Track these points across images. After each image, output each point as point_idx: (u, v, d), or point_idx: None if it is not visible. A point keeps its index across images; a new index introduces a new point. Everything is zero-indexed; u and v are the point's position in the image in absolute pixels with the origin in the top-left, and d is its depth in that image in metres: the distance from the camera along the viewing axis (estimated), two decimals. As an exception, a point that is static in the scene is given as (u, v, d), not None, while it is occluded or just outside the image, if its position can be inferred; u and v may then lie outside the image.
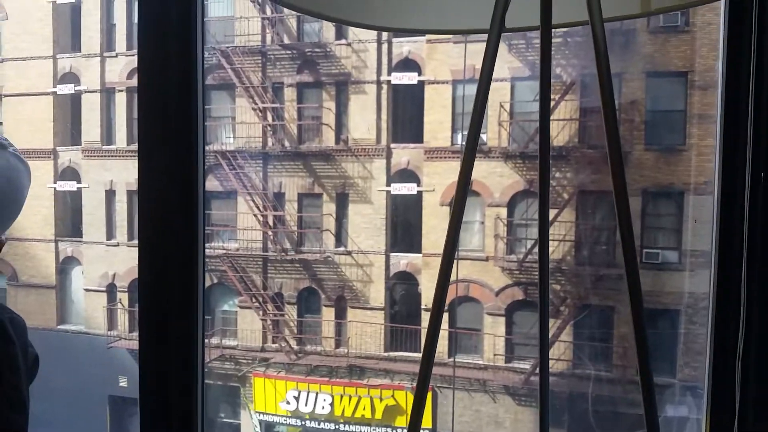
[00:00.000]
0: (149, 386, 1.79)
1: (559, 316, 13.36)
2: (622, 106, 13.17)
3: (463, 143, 11.03)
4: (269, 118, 16.62)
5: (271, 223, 16.65)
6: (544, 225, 1.30)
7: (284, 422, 15.86)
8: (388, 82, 15.53)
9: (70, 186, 18.10)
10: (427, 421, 14.22)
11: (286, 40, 16.60)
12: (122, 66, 17.27)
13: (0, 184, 1.05)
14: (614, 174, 1.04)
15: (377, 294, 15.57)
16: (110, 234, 17.45)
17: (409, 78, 15.00)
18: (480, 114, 1.10)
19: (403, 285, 15.59)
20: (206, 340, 14.34)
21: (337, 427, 15.22)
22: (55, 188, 18.31)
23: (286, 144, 16.49)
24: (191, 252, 1.70)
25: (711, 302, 1.74)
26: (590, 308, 12.06)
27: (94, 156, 17.62)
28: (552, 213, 13.54)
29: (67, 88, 17.91)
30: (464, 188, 1.11)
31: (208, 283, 17.01)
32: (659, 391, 12.57)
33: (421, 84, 15.12)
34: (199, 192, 1.72)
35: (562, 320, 13.23)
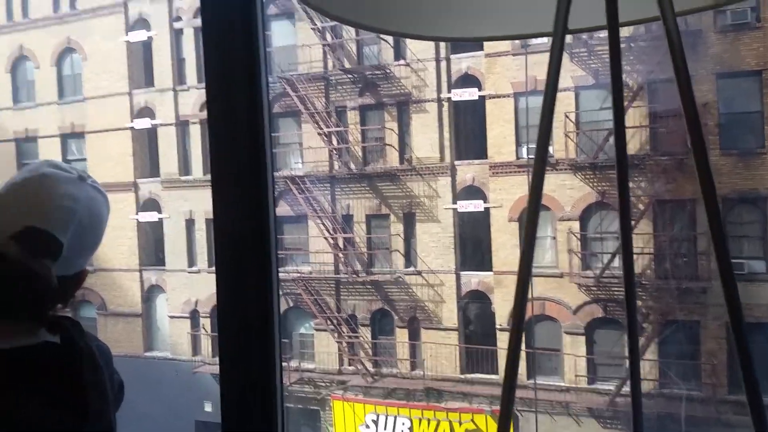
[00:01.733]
0: (230, 411, 1.86)
1: (642, 333, 13.21)
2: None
3: (530, 156, 11.30)
4: (334, 141, 17.31)
5: (341, 245, 17.31)
6: (627, 237, 1.27)
7: (365, 446, 16.35)
8: (449, 99, 15.80)
9: (151, 217, 19.30)
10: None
11: (347, 65, 17.24)
12: (195, 98, 18.36)
13: (81, 216, 1.12)
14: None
15: (450, 314, 15.85)
16: (191, 261, 18.50)
17: (469, 94, 15.28)
18: (548, 120, 1.06)
19: (475, 304, 15.81)
20: (285, 363, 15.17)
21: (417, 450, 15.58)
22: (137, 219, 19.59)
23: (352, 166, 17.12)
24: (265, 276, 1.79)
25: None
26: (675, 324, 11.85)
27: (173, 187, 18.64)
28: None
29: (144, 122, 19.23)
30: (537, 201, 1.07)
31: (284, 307, 17.84)
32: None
33: (482, 99, 15.30)
34: (270, 217, 1.78)
35: (645, 337, 13.06)
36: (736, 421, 11.99)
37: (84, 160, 20.27)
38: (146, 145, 19.81)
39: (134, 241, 19.73)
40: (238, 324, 1.82)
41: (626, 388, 13.11)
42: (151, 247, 19.84)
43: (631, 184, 12.48)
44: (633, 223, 13.10)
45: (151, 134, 19.53)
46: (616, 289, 13.74)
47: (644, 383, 12.88)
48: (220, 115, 1.82)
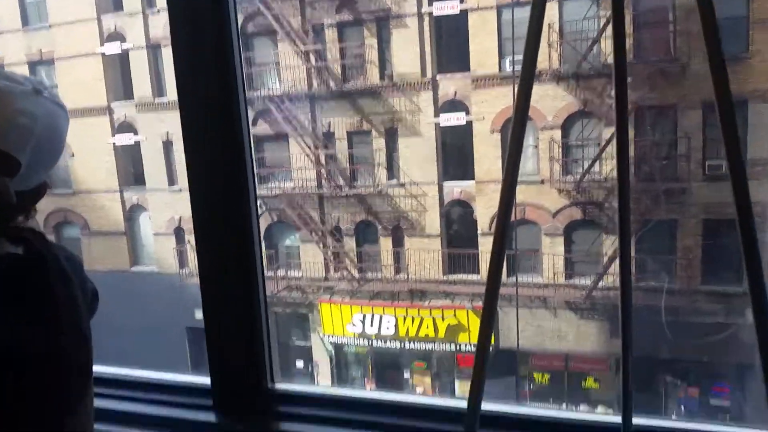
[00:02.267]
0: (213, 325, 1.72)
1: (617, 229, 12.68)
2: (677, 17, 11.82)
3: (512, 68, 10.11)
4: (312, 60, 15.67)
5: (323, 161, 16.05)
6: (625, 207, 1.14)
7: (352, 343, 15.94)
8: (430, 13, 14.28)
9: (127, 139, 17.80)
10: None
11: (323, -20, 15.35)
12: (165, 21, 16.03)
13: (39, 133, 0.99)
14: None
15: (432, 222, 15.09)
16: (171, 181, 17.23)
17: (451, 7, 13.68)
18: (537, 28, 0.99)
19: (458, 211, 15.00)
20: (272, 273, 14.21)
21: (402, 345, 15.22)
22: (113, 143, 18.04)
23: (332, 84, 15.57)
24: (241, 193, 1.64)
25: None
26: (653, 222, 11.30)
27: (148, 109, 17.08)
28: (608, 131, 12.58)
29: (114, 47, 17.34)
30: (524, 108, 1.02)
31: (268, 222, 16.77)
32: (727, 300, 12.02)
33: (464, 13, 13.85)
34: (243, 130, 1.60)
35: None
36: (708, 309, 11.84)
37: (55, 87, 18.10)
38: (118, 69, 18.02)
39: (112, 163, 18.31)
40: (217, 241, 1.68)
41: (603, 283, 12.76)
42: (130, 168, 18.31)
43: (612, 92, 11.32)
44: (612, 129, 12.19)
45: (123, 59, 17.60)
46: (595, 192, 13.07)
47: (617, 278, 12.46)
48: (184, 35, 1.60)
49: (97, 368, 1.82)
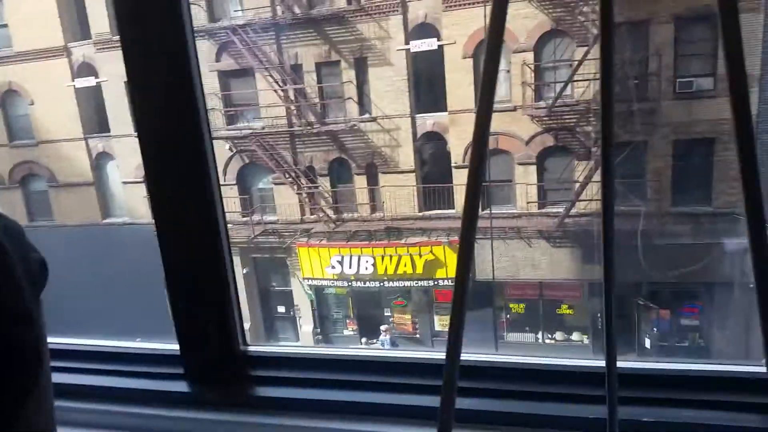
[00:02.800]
0: (175, 278, 1.69)
1: (590, 157, 13.12)
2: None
3: None
4: (274, -16, 15.55)
5: (292, 97, 16.21)
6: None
7: (332, 284, 16.57)
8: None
9: (88, 82, 17.77)
10: (466, 271, 14.68)
11: None
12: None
13: None
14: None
15: (406, 157, 15.45)
16: None
17: None
18: None
19: (431, 144, 15.34)
20: (247, 218, 14.60)
21: (382, 284, 15.87)
22: (74, 86, 18.00)
23: (296, 10, 15.56)
24: (195, 132, 1.56)
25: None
26: (623, 145, 11.69)
27: (107, 48, 16.94)
28: (581, 51, 12.81)
29: (66, -22, 17.12)
30: (498, 36, 0.91)
31: (240, 164, 17.08)
32: (695, 221, 12.60)
33: (433, -76, 13.76)
34: (192, 68, 1.53)
35: (594, 161, 12.99)
36: (679, 230, 12.40)
37: (5, 26, 17.89)
38: (72, 3, 17.69)
39: (74, 109, 18.23)
40: (171, 190, 1.62)
41: (575, 210, 13.28)
42: (93, 113, 18.31)
43: (584, 9, 11.57)
44: (586, 49, 12.45)
45: (72, -8, 17.24)
46: (567, 117, 13.42)
47: (593, 203, 13.01)
48: None
49: (57, 340, 1.88)
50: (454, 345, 1.06)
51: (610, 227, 1.11)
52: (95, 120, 18.43)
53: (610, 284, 1.12)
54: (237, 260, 17.30)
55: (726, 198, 12.10)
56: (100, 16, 16.97)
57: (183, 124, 1.55)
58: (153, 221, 1.65)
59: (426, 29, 14.54)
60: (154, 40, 1.51)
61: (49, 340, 0.87)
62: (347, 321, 17.21)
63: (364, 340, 16.67)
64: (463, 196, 0.98)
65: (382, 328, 15.81)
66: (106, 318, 17.08)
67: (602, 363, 1.19)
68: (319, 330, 17.33)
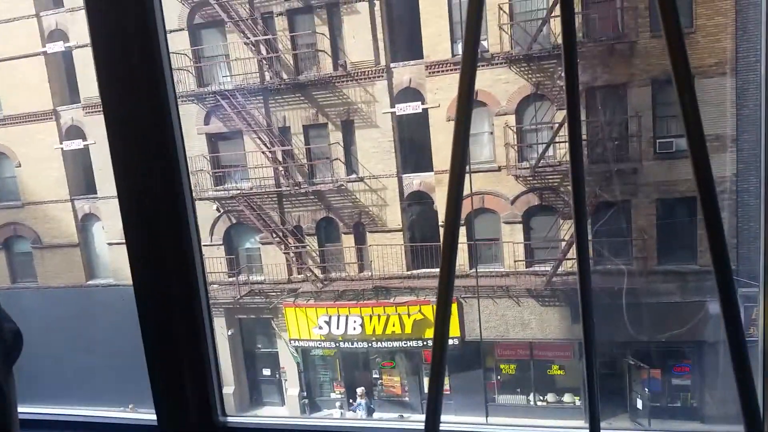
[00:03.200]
0: (154, 345, 1.68)
1: (572, 215, 13.28)
2: (624, -6, 12.51)
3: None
4: (263, 51, 16.05)
5: (280, 158, 16.44)
6: (581, 233, 1.16)
7: (319, 346, 16.34)
8: (381, -3, 14.80)
9: (76, 145, 17.95)
10: (455, 331, 14.59)
11: (269, -33, 15.79)
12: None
13: None
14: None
15: (394, 216, 15.59)
16: None
17: (402, -10, 14.24)
18: (478, 13, 0.95)
19: (418, 205, 15.52)
20: (233, 278, 14.49)
21: (370, 344, 15.69)
22: (62, 148, 18.16)
23: (284, 76, 16.01)
24: (175, 194, 1.58)
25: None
26: (607, 204, 11.90)
27: (96, 111, 17.27)
28: (562, 114, 13.21)
29: (57, 46, 17.51)
30: (468, 100, 0.98)
31: (227, 225, 17.12)
32: (680, 278, 12.70)
33: (416, -5, 14.37)
34: (174, 132, 1.55)
35: (579, 220, 13.15)
36: (663, 289, 12.47)
37: None
38: (62, 69, 18.06)
39: (61, 171, 18.42)
40: (150, 253, 1.61)
41: (562, 269, 13.36)
42: (80, 175, 18.45)
43: (563, 73, 11.97)
44: (564, 112, 12.83)
45: (67, 58, 17.71)
46: (550, 177, 13.69)
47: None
48: (105, 33, 1.53)
49: (29, 410, 1.87)
50: (432, 416, 1.04)
51: (588, 291, 1.15)
52: (82, 182, 18.53)
53: (591, 350, 1.16)
54: (222, 321, 17.07)
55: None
56: (89, 81, 17.29)
57: (163, 188, 1.55)
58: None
59: (411, 93, 14.98)
60: (136, 104, 1.52)
61: (21, 410, 0.84)
62: (334, 384, 16.88)
63: (338, 404, 16.26)
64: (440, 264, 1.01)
65: (358, 391, 15.52)
66: (86, 383, 16.69)
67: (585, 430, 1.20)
68: (305, 394, 16.95)
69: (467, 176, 13.63)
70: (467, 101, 0.99)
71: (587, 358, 1.16)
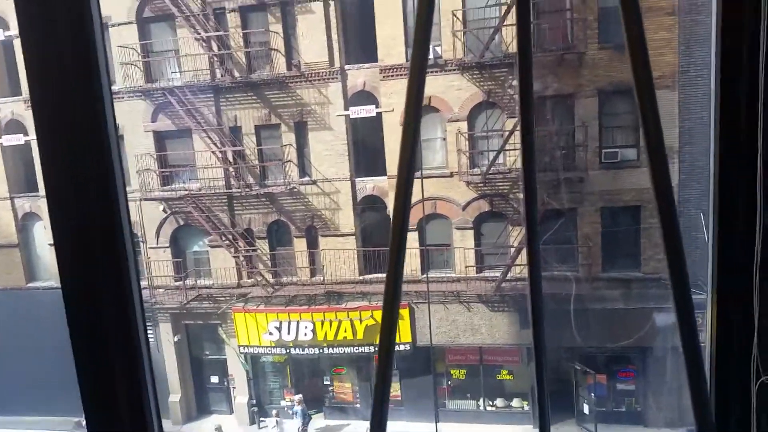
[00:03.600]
0: (83, 351, 1.61)
1: (523, 223, 13.51)
2: (573, 5, 12.79)
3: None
4: (214, 47, 15.76)
5: (231, 159, 16.16)
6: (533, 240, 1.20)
7: (269, 352, 16.13)
8: (335, -4, 14.70)
9: (16, 139, 17.32)
10: (406, 336, 14.62)
11: (223, -38, 15.50)
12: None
13: None
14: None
15: (347, 220, 15.51)
16: None
17: (355, -9, 14.18)
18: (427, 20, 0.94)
19: (371, 209, 15.49)
20: (179, 282, 14.11)
21: (321, 351, 15.57)
22: (1, 143, 17.52)
23: (236, 74, 15.74)
24: (108, 194, 1.52)
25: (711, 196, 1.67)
26: (553, 212, 12.14)
27: (36, 106, 16.61)
28: (511, 122, 13.41)
29: (-5, 36, 16.94)
30: (416, 108, 0.96)
31: (174, 226, 16.71)
32: (625, 285, 13.06)
33: (370, -3, 14.35)
34: (109, 128, 1.50)
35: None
36: (609, 295, 12.79)
37: None
38: (2, 60, 17.43)
39: (0, 167, 17.58)
40: (79, 255, 1.53)
41: (511, 274, 13.54)
42: (21, 172, 17.78)
43: (514, 83, 12.19)
44: (516, 120, 13.01)
45: (7, 47, 17.13)
46: (500, 184, 13.88)
47: (527, 269, 13.29)
48: (35, 28, 1.46)
49: None
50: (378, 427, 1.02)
51: (539, 297, 1.18)
52: (23, 179, 17.88)
53: (542, 355, 1.19)
54: (168, 327, 16.65)
55: (654, 264, 12.63)
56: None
57: (95, 186, 1.50)
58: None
59: (365, 96, 14.95)
60: (66, 97, 1.47)
61: None
62: (284, 390, 16.69)
63: (275, 412, 15.90)
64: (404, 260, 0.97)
65: (295, 398, 15.41)
66: (19, 389, 16.03)
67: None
68: (254, 401, 16.69)
69: (420, 182, 13.71)
70: (416, 104, 0.98)
71: (537, 363, 1.17)
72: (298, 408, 15.06)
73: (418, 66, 0.97)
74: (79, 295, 1.56)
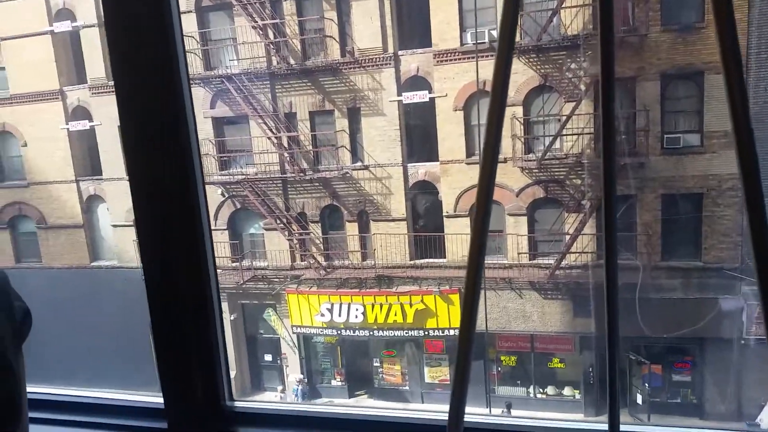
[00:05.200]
0: (162, 328, 1.71)
1: (581, 210, 13.35)
2: (637, -13, 12.44)
3: (476, 42, 10.51)
4: (270, 35, 16.07)
5: (285, 144, 16.52)
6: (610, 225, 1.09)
7: (320, 333, 16.50)
8: (391, -18, 14.73)
9: (82, 125, 18.09)
10: (457, 321, 14.70)
11: (278, -51, 15.76)
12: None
13: None
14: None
15: (398, 205, 15.65)
16: None
17: (412, -23, 14.17)
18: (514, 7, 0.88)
19: (423, 193, 15.57)
20: (237, 263, 14.59)
21: (371, 333, 15.82)
22: (68, 129, 18.30)
23: (291, 61, 16.02)
24: (186, 178, 1.60)
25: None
26: (625, 205, 11.90)
27: (102, 92, 17.34)
28: (569, 106, 13.21)
29: (64, 25, 17.57)
30: (502, 93, 0.92)
31: (231, 210, 17.25)
32: (685, 275, 12.74)
33: (426, -18, 14.30)
34: (188, 115, 1.57)
35: (584, 214, 13.22)
36: (667, 285, 12.52)
37: (2, 69, 18.32)
38: (69, 49, 18.13)
39: (67, 152, 18.56)
40: (160, 236, 1.61)
41: (565, 262, 13.42)
42: (86, 156, 18.58)
43: (572, 65, 12.03)
44: (574, 104, 12.84)
45: (74, 37, 17.77)
46: (555, 169, 13.71)
47: (585, 256, 13.17)
48: (120, 15, 1.53)
49: (37, 389, 1.87)
50: (456, 410, 0.99)
51: (614, 283, 1.08)
52: (88, 163, 18.67)
53: (615, 341, 1.09)
54: (225, 306, 17.26)
55: (715, 253, 12.29)
56: (96, 61, 17.38)
57: (175, 170, 1.56)
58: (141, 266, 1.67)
59: (418, 82, 14.97)
60: (148, 86, 1.53)
61: (29, 389, 0.85)
62: (335, 371, 17.06)
63: (280, 388, 16.17)
64: (455, 246, 0.97)
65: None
66: (90, 365, 16.92)
67: (604, 426, 1.17)
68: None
69: (475, 167, 13.69)
70: (501, 93, 0.94)
71: (610, 355, 1.11)
72: (297, 387, 15.46)
73: (505, 56, 0.93)
74: (159, 274, 1.63)
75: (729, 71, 0.81)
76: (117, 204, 17.96)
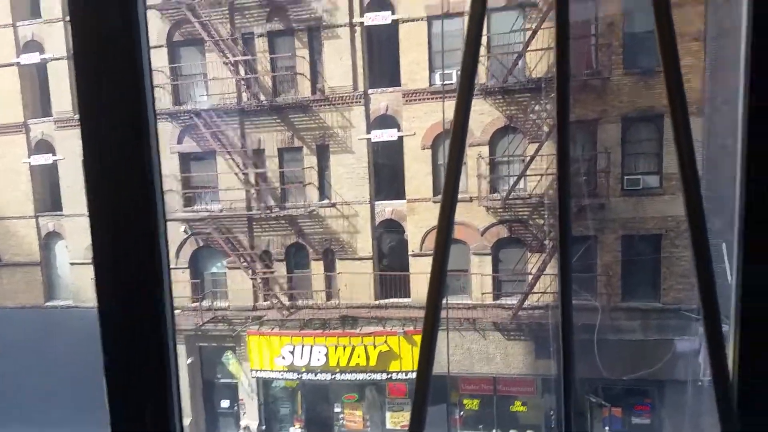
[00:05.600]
0: (113, 359, 1.60)
1: (543, 249, 13.41)
2: (598, 30, 12.95)
3: (443, 82, 10.66)
4: (242, 71, 16.25)
5: (253, 180, 16.42)
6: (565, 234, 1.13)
7: (281, 377, 16.02)
8: (362, 24, 15.16)
9: (45, 159, 17.80)
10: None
11: (253, -13, 16.11)
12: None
13: None
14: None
15: (365, 244, 15.61)
16: None
17: (382, 18, 14.57)
18: (476, 38, 0.96)
19: (389, 232, 15.52)
20: (197, 303, 14.08)
21: (333, 377, 15.40)
22: (29, 163, 17.97)
23: (262, 98, 16.15)
24: (148, 213, 1.51)
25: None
26: (577, 242, 12.04)
27: (68, 126, 17.21)
28: (533, 147, 13.47)
29: (32, 57, 17.57)
30: (462, 133, 0.96)
31: (194, 247, 16.90)
32: (644, 316, 12.76)
33: (395, 23, 14.76)
34: (152, 149, 1.51)
35: (546, 254, 13.28)
36: (627, 326, 12.52)
37: None
38: (36, 81, 18.06)
39: (28, 186, 18.24)
40: (118, 273, 1.52)
41: (528, 302, 13.36)
42: (47, 191, 18.24)
43: (536, 107, 12.31)
44: (537, 145, 13.07)
45: (41, 70, 17.85)
46: (519, 209, 13.85)
47: (546, 296, 13.13)
48: (86, 45, 1.46)
49: None
50: None
51: (569, 326, 1.11)
52: (48, 198, 18.40)
53: (570, 386, 1.12)
54: (182, 349, 16.65)
55: (674, 294, 12.38)
56: (63, 94, 17.29)
57: (137, 206, 1.50)
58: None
59: (387, 120, 15.23)
60: (113, 118, 1.49)
61: None
62: (294, 417, 16.48)
63: None
64: (420, 285, 0.96)
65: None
66: (43, 406, 16.04)
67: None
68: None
69: (436, 205, 13.75)
70: (461, 132, 0.97)
71: (566, 396, 1.12)
72: None
73: (465, 94, 0.99)
74: (115, 311, 1.55)
75: (676, 115, 0.90)
76: (76, 241, 17.70)
